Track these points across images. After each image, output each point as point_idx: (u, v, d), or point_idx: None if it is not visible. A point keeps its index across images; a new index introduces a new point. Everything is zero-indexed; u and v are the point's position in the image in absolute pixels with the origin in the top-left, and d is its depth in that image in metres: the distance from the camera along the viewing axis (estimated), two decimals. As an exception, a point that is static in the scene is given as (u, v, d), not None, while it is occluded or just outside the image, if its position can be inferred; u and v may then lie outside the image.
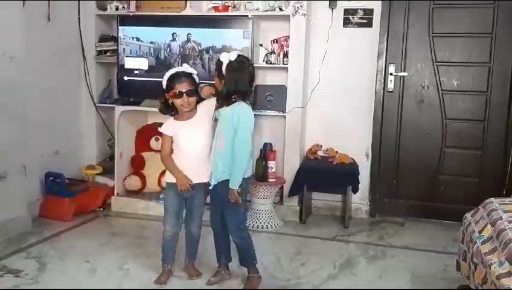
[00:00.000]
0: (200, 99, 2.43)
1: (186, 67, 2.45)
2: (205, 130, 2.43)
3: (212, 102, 2.42)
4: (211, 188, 2.42)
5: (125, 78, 3.72)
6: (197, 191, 2.47)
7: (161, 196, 3.62)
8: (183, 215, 2.53)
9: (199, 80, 2.46)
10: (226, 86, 2.30)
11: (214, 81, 2.41)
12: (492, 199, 2.21)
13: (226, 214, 2.43)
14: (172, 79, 2.36)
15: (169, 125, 2.45)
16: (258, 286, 2.46)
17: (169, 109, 2.43)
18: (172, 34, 3.61)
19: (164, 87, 2.39)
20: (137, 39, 3.68)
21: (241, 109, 2.31)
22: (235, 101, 2.30)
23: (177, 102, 2.36)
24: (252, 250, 2.47)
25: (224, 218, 2.45)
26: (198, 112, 2.42)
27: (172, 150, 2.46)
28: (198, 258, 2.64)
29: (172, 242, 2.50)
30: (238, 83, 2.30)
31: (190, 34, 3.57)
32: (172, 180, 2.45)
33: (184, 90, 2.33)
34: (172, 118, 2.45)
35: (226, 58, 2.32)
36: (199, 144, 2.42)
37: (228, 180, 2.33)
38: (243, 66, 2.33)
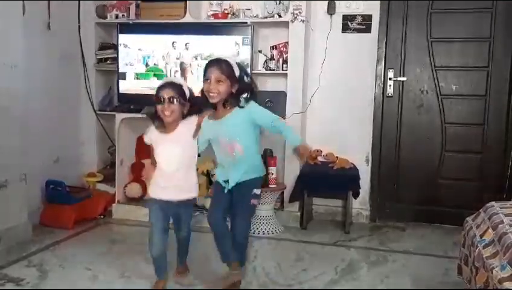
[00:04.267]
0: (187, 115, 2.40)
1: (176, 79, 2.46)
2: (183, 146, 2.39)
3: (194, 119, 2.40)
4: (229, 188, 2.39)
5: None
6: (182, 209, 2.47)
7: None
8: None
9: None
10: (243, 85, 2.36)
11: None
12: (493, 203, 2.22)
13: (241, 214, 2.41)
14: (158, 88, 2.37)
15: (149, 134, 2.45)
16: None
17: (154, 118, 2.39)
18: (172, 42, 3.62)
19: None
20: (137, 47, 3.69)
21: (253, 105, 2.36)
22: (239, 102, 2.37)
23: (159, 108, 2.33)
24: (246, 250, 2.56)
25: (235, 218, 2.43)
26: (180, 127, 2.39)
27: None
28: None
29: (161, 257, 2.44)
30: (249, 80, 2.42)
31: (189, 42, 3.58)
32: (153, 195, 2.43)
33: (166, 96, 2.31)
34: (154, 127, 2.43)
35: (232, 60, 2.37)
36: (176, 161, 2.38)
37: (250, 179, 2.38)
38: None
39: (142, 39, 3.68)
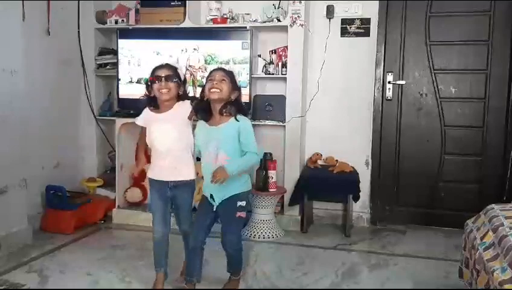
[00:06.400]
0: (182, 97, 2.43)
1: (171, 61, 2.53)
2: (177, 125, 2.41)
3: (189, 105, 2.42)
4: (214, 209, 2.37)
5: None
6: (179, 190, 2.43)
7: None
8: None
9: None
10: (239, 95, 2.39)
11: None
12: (493, 205, 2.22)
13: (228, 229, 2.39)
14: (155, 69, 2.42)
15: (143, 115, 2.49)
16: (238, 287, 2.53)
17: (150, 101, 2.43)
18: (172, 47, 3.63)
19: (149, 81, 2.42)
20: (137, 52, 3.70)
21: (245, 122, 2.35)
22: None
23: (155, 87, 2.37)
24: (242, 258, 2.51)
25: (225, 234, 2.39)
26: (175, 107, 2.42)
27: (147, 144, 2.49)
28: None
29: (161, 243, 2.47)
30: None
31: (188, 47, 3.59)
32: (151, 175, 2.47)
33: (162, 75, 2.36)
34: (148, 108, 2.47)
35: (234, 72, 2.41)
36: (169, 139, 2.40)
37: (234, 195, 2.35)
38: None
39: (141, 44, 3.69)
